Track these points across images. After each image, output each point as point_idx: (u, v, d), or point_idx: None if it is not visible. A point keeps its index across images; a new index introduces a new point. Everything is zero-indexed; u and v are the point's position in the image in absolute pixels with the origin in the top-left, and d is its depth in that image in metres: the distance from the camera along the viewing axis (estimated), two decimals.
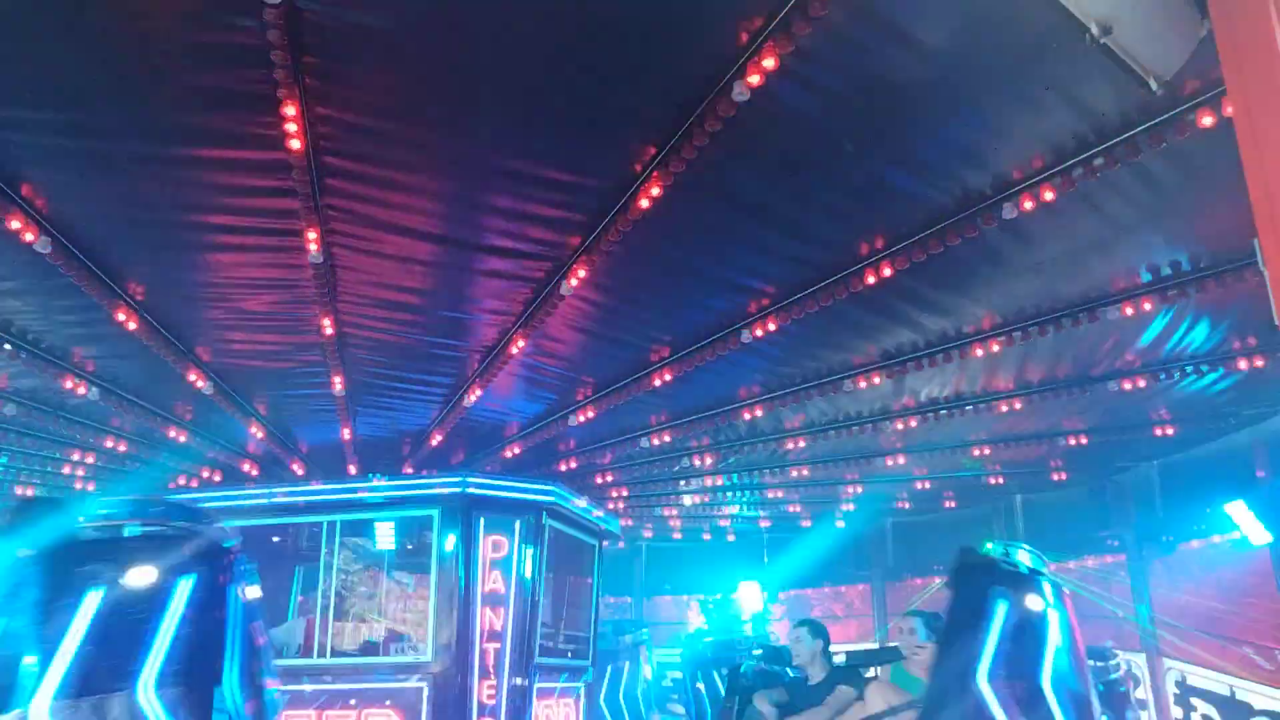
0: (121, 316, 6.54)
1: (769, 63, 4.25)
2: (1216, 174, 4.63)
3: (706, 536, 16.95)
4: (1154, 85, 3.18)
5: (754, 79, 4.34)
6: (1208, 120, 4.57)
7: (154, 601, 3.40)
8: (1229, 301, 6.55)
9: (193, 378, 7.81)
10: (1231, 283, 6.20)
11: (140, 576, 3.41)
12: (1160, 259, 6.36)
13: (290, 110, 4.53)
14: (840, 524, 15.24)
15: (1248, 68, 2.38)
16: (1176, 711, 12.01)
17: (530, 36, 4.27)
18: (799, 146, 5.08)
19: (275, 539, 11.06)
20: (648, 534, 16.76)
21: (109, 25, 4.09)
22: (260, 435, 9.68)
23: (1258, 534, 10.45)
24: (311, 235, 5.69)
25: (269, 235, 5.80)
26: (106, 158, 5.01)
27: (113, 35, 4.16)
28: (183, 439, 9.51)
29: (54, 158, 5.03)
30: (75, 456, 10.00)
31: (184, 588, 3.49)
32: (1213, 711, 11.49)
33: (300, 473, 10.81)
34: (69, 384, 7.68)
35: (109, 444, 9.46)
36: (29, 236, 5.39)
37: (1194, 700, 11.78)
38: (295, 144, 4.78)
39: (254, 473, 10.99)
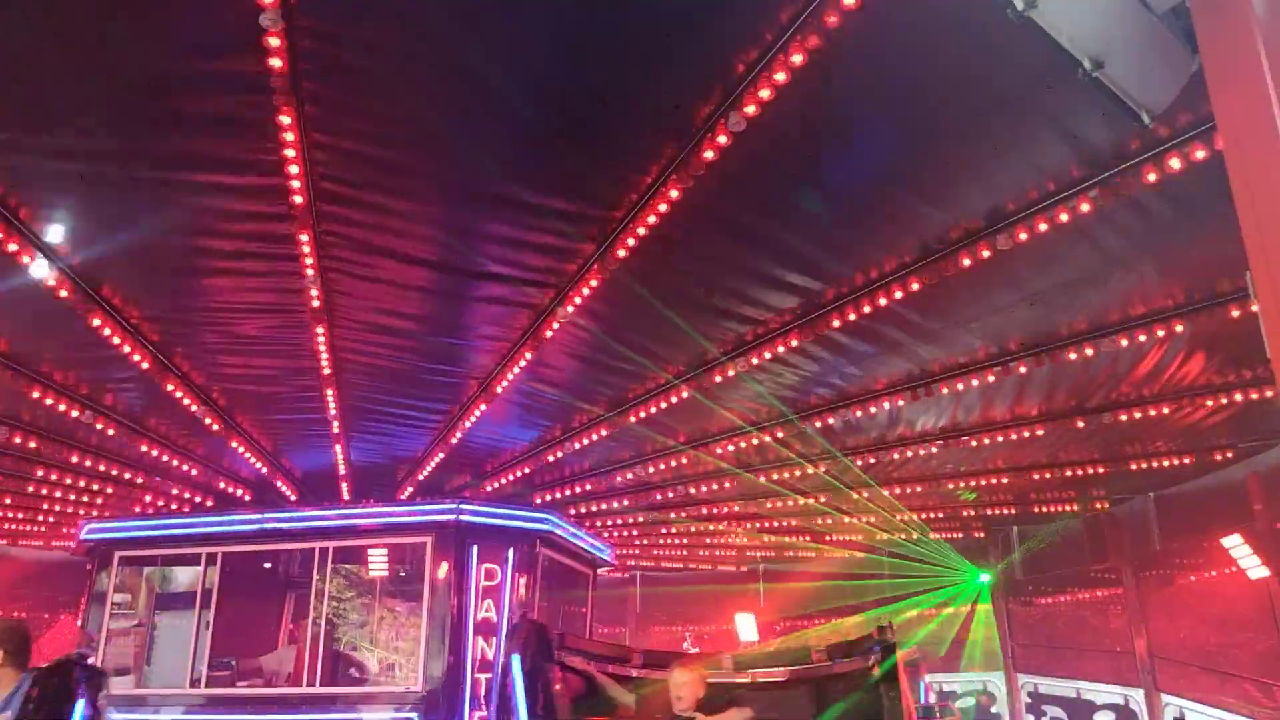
0: (117, 340, 6.53)
1: (765, 93, 4.28)
2: (1210, 207, 4.66)
3: (702, 566, 16.86)
4: (1146, 119, 3.20)
5: (750, 109, 4.37)
6: (1200, 153, 4.60)
7: None
8: (1224, 334, 6.57)
9: (186, 401, 7.78)
10: (1226, 315, 6.22)
11: None
12: (1155, 291, 6.39)
13: (288, 137, 4.56)
14: (840, 554, 15.16)
15: (1237, 102, 2.40)
16: None
17: (527, 67, 4.31)
18: (795, 177, 5.10)
19: (266, 565, 10.99)
20: (642, 563, 16.65)
21: (108, 52, 4.12)
22: (253, 460, 9.63)
23: (1255, 568, 10.40)
24: (308, 260, 5.70)
25: (265, 260, 5.81)
26: (104, 182, 5.02)
27: (112, 61, 4.18)
28: (176, 463, 9.46)
29: (52, 181, 5.04)
30: (68, 481, 9.93)
31: None
32: None
33: (293, 498, 10.74)
34: (61, 406, 7.65)
35: (100, 467, 9.39)
36: (25, 259, 5.40)
37: None
38: (293, 169, 4.80)
39: (246, 498, 10.92)
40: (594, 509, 11.86)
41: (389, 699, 9.05)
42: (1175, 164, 4.73)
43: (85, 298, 6.02)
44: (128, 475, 9.77)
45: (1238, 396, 7.81)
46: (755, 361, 7.15)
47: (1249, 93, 2.36)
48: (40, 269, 5.51)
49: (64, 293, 5.82)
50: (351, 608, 10.29)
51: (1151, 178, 4.85)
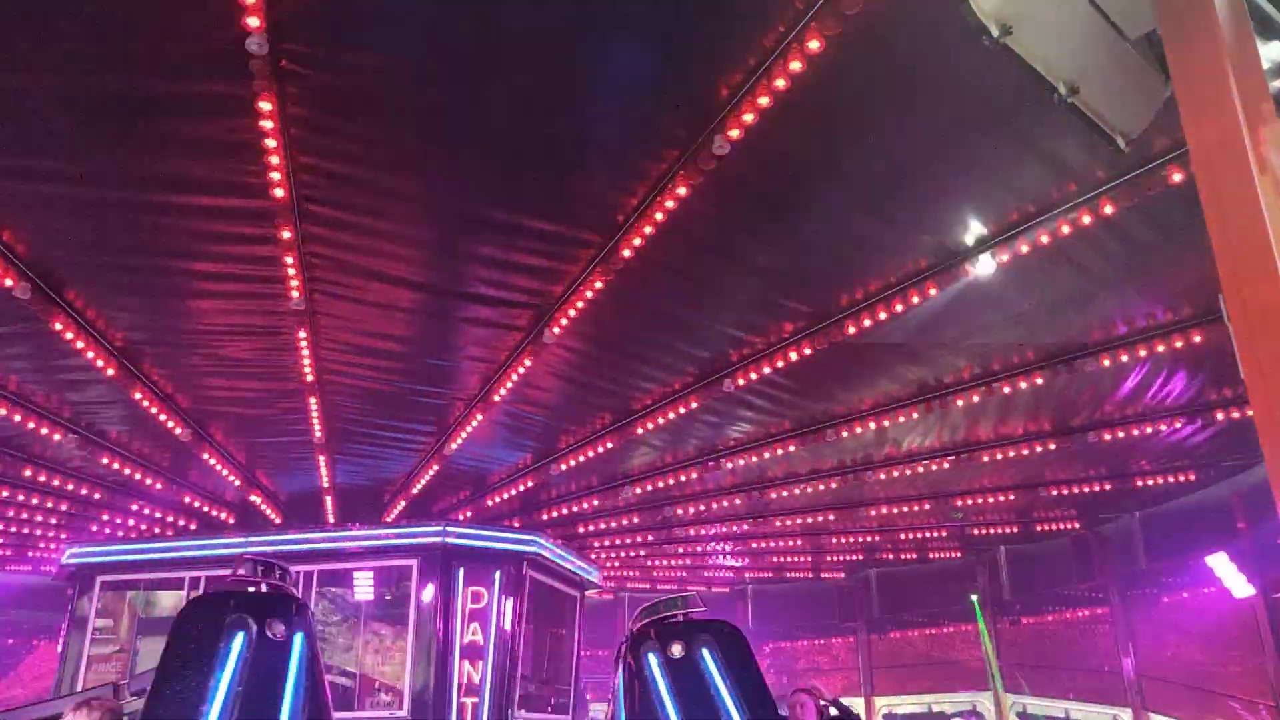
0: (100, 363, 6.50)
1: (749, 117, 4.33)
2: (1187, 229, 4.73)
3: (698, 588, 16.79)
4: (1121, 143, 3.24)
5: (734, 133, 4.42)
6: (1177, 177, 4.68)
7: None
8: (1205, 354, 6.64)
9: (171, 424, 7.74)
10: (1208, 334, 6.29)
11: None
12: (1136, 312, 6.46)
13: (274, 159, 4.57)
14: (824, 576, 15.15)
15: (1207, 126, 2.45)
16: None
17: (512, 90, 4.34)
18: (779, 200, 5.15)
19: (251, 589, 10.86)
20: (630, 585, 16.58)
21: (95, 73, 4.13)
22: (237, 483, 9.57)
23: (1240, 587, 10.46)
24: (294, 282, 5.70)
25: (251, 282, 5.80)
26: (89, 204, 5.01)
27: (99, 83, 4.19)
28: (159, 486, 9.39)
29: (35, 204, 5.03)
30: (48, 504, 9.83)
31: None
32: None
33: (277, 521, 10.67)
34: (44, 429, 7.59)
35: (83, 491, 9.31)
36: (8, 282, 5.38)
37: None
38: (279, 192, 4.81)
39: (230, 521, 10.83)
40: (601, 527, 11.81)
41: None
42: (1153, 187, 4.81)
43: (72, 323, 6.00)
44: (102, 497, 9.68)
45: (1219, 416, 7.89)
46: (742, 383, 7.17)
47: (1219, 118, 2.41)
48: (23, 292, 5.48)
49: (46, 315, 5.80)
50: (337, 631, 10.19)
51: (1129, 200, 4.92)
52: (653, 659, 4.71)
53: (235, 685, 3.77)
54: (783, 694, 5.53)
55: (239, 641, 3.88)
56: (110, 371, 6.63)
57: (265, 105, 4.20)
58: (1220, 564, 10.51)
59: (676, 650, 4.68)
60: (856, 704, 15.19)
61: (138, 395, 7.10)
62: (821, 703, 5.58)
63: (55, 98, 4.26)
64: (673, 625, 4.84)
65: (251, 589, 4.19)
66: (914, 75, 4.16)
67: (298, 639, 4.05)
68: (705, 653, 4.65)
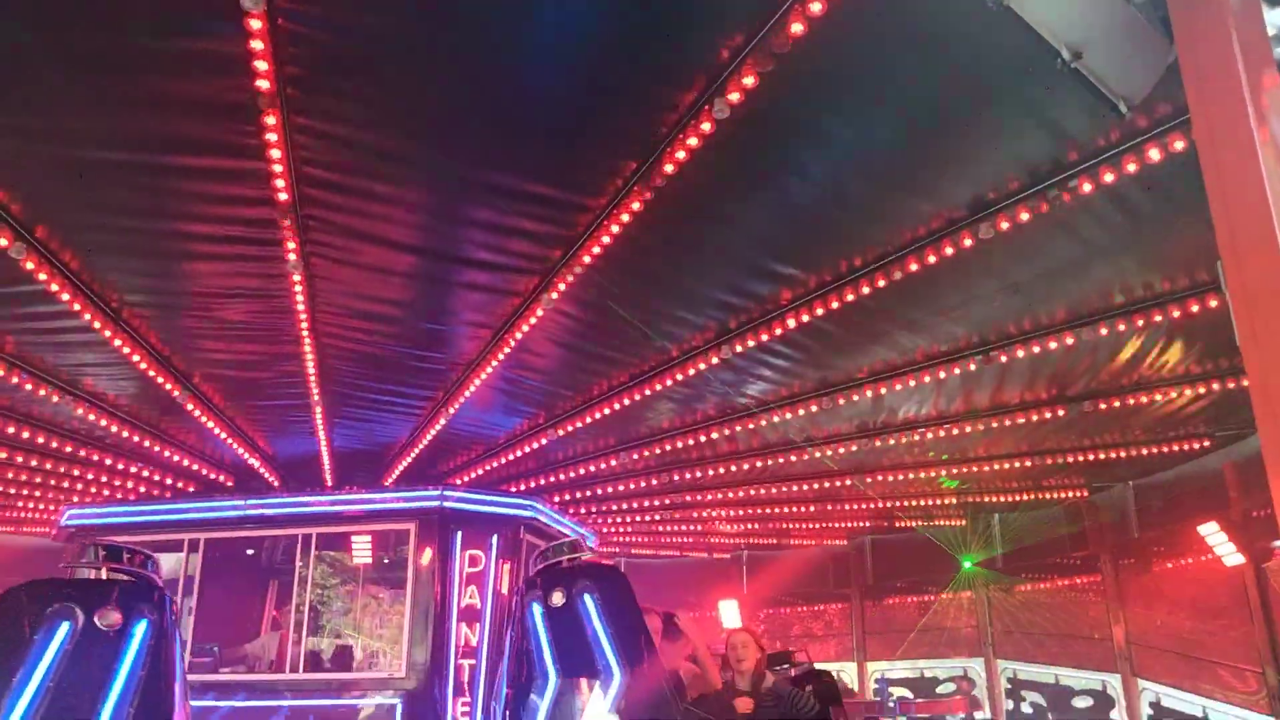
0: (97, 324, 6.49)
1: (749, 80, 4.29)
2: (1188, 197, 4.71)
3: (688, 554, 16.93)
4: (1124, 109, 3.23)
5: (734, 96, 4.38)
6: (1179, 144, 4.65)
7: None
8: (1203, 323, 6.64)
9: (168, 387, 7.74)
10: (1205, 304, 6.29)
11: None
12: (1134, 281, 6.45)
13: (270, 120, 4.53)
14: (820, 542, 15.26)
15: (1210, 92, 2.43)
16: None
17: (512, 52, 4.30)
18: (777, 163, 5.12)
19: (249, 551, 10.96)
20: (627, 550, 16.70)
21: (84, 31, 4.08)
22: (236, 446, 9.60)
23: (1230, 556, 10.55)
24: (290, 245, 5.67)
25: (247, 244, 5.77)
26: (83, 164, 4.97)
27: (91, 41, 4.14)
28: (157, 448, 9.41)
29: (30, 163, 4.99)
30: (45, 465, 9.87)
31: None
32: None
33: (276, 485, 10.71)
34: (41, 391, 7.60)
35: (82, 453, 9.34)
36: (2, 241, 5.36)
37: None
38: (275, 153, 4.77)
39: (229, 484, 10.88)
40: (610, 490, 11.85)
41: (373, 685, 9.06)
42: (1154, 154, 4.78)
43: (68, 284, 5.98)
44: (108, 460, 9.72)
45: (1215, 386, 7.91)
46: (739, 350, 7.17)
47: (1222, 83, 2.39)
48: (17, 252, 5.47)
49: (42, 276, 5.78)
50: (335, 595, 10.29)
51: (1131, 168, 4.89)
52: (536, 609, 4.67)
53: (49, 679, 3.60)
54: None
55: (62, 632, 3.70)
56: (106, 333, 6.62)
57: (261, 65, 4.16)
58: (1211, 533, 10.60)
59: (557, 598, 4.63)
60: (848, 668, 15.41)
61: (135, 357, 7.10)
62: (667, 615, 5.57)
63: (47, 55, 4.21)
64: (557, 572, 4.77)
65: (92, 575, 4.03)
66: (917, 38, 4.11)
67: (139, 629, 3.84)
68: (586, 598, 4.60)
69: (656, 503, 12.43)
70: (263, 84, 4.27)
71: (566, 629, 4.53)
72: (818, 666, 5.90)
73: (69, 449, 9.13)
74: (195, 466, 10.33)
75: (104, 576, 4.00)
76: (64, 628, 3.67)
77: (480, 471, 10.49)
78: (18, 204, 5.29)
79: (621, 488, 11.55)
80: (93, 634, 3.72)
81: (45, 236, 5.59)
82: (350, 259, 6.00)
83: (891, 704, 13.84)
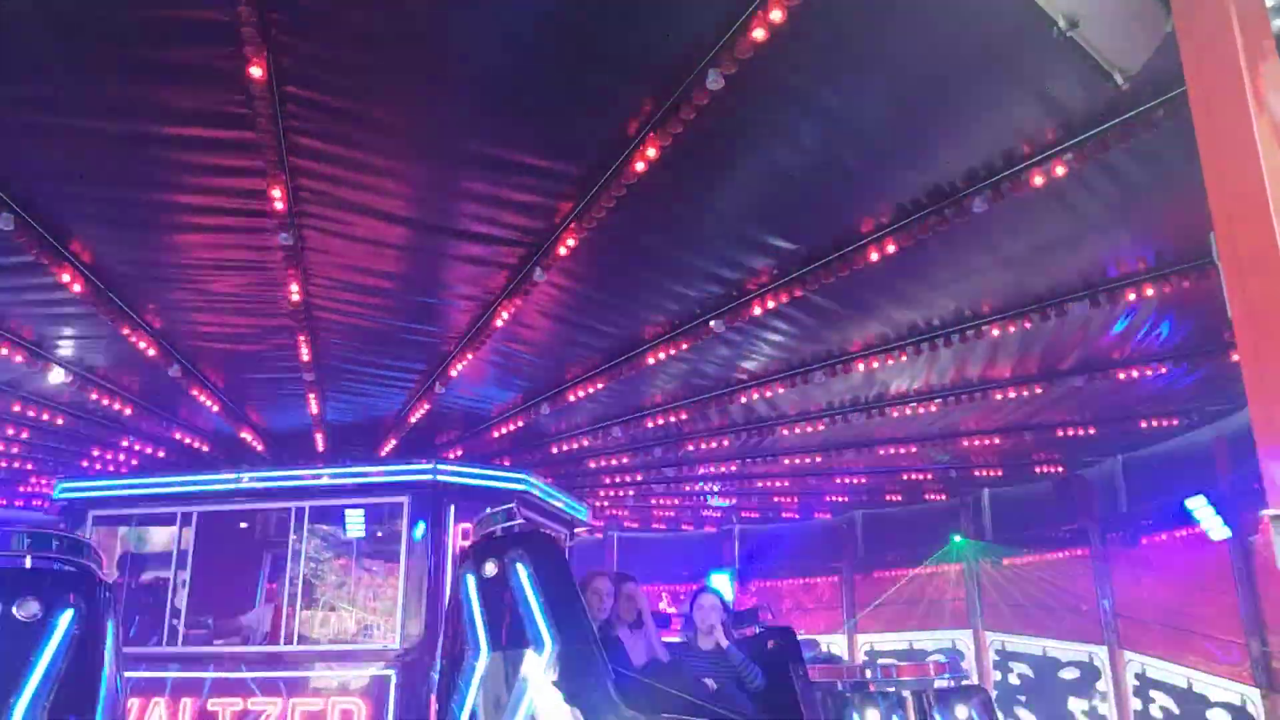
0: (86, 295, 6.43)
1: (743, 52, 4.25)
2: (1183, 171, 4.68)
3: (681, 527, 17.03)
4: (1119, 80, 3.22)
5: (729, 68, 4.34)
6: (1174, 117, 4.61)
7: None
8: (1194, 298, 6.65)
9: (159, 359, 7.70)
10: (1196, 279, 6.30)
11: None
12: (1127, 255, 6.45)
13: (258, 89, 4.47)
14: (816, 515, 15.34)
15: (1207, 63, 2.42)
16: (1135, 703, 12.23)
17: (504, 19, 4.25)
18: (773, 135, 5.09)
19: (243, 524, 10.97)
20: (620, 523, 16.79)
21: None
22: (227, 419, 9.58)
23: (1217, 529, 10.66)
24: (281, 217, 5.62)
25: (237, 215, 5.72)
26: (69, 134, 4.92)
27: (76, 7, 4.08)
28: (147, 422, 9.39)
29: (13, 133, 4.93)
30: (36, 439, 9.84)
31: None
32: (1170, 703, 11.71)
33: (269, 458, 10.71)
34: (36, 365, 7.56)
35: (59, 421, 9.31)
36: None
37: (1153, 693, 12.00)
38: (263, 122, 4.72)
39: (221, 457, 10.87)
40: (596, 465, 11.88)
41: (367, 657, 9.11)
42: (1149, 127, 4.76)
43: (53, 254, 5.92)
44: (88, 432, 9.70)
45: (1205, 360, 7.94)
46: (735, 323, 7.17)
47: (1218, 54, 2.38)
48: (6, 223, 5.41)
49: (31, 248, 5.73)
50: (329, 568, 10.30)
51: (1126, 140, 4.87)
52: (470, 580, 4.62)
53: None
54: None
55: None
56: (95, 305, 6.57)
57: (248, 31, 4.09)
58: (1199, 507, 10.70)
59: (490, 569, 4.58)
60: (839, 641, 15.55)
61: (125, 330, 7.05)
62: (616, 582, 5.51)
63: (36, 23, 4.15)
64: (490, 542, 4.72)
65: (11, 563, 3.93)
66: (912, 6, 4.08)
67: (62, 619, 3.74)
68: (519, 567, 4.54)
69: (643, 477, 12.50)
70: (250, 50, 4.21)
71: (499, 600, 4.48)
72: (781, 626, 5.90)
73: (59, 421, 9.11)
74: (186, 440, 10.32)
75: (27, 565, 3.91)
76: None
77: (482, 441, 10.50)
78: (4, 174, 5.23)
79: (614, 461, 11.60)
80: (10, 626, 3.63)
81: (33, 207, 5.53)
82: (341, 230, 5.96)
83: (870, 672, 13.97)
